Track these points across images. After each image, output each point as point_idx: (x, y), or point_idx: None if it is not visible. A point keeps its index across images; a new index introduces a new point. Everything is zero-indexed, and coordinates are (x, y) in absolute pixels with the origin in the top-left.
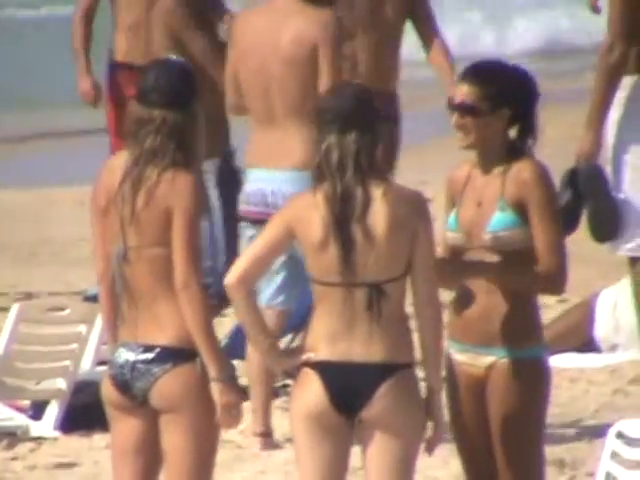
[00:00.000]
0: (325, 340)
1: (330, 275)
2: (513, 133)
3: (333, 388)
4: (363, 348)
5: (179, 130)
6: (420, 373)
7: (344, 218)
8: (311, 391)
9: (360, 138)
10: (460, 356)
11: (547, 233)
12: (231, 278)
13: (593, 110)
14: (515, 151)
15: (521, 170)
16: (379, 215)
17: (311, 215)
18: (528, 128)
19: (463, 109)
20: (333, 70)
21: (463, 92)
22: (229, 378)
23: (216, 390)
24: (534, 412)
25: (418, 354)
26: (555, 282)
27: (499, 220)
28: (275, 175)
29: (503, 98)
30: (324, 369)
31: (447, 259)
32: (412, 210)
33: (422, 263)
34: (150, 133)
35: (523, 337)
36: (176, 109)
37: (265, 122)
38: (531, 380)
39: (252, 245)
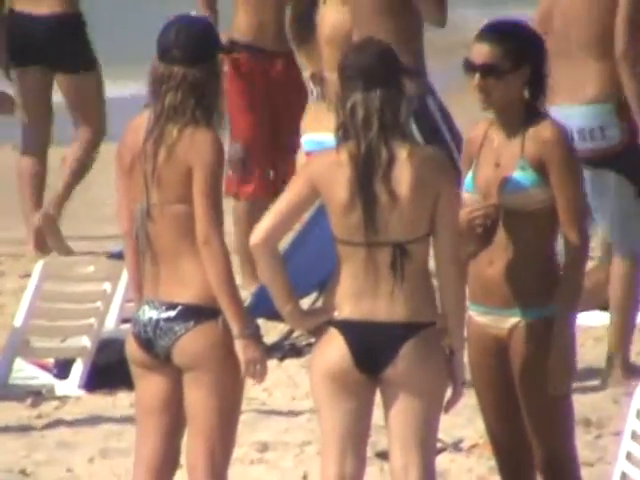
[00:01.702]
0: (349, 299)
1: (354, 235)
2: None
3: (356, 347)
4: (386, 307)
5: (199, 87)
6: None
7: (368, 177)
8: (334, 349)
9: (385, 95)
10: (482, 318)
11: (568, 195)
12: (256, 237)
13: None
14: (532, 111)
15: (540, 130)
16: (403, 175)
17: (336, 174)
18: (541, 86)
19: (486, 70)
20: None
21: (484, 52)
22: (252, 334)
23: (239, 346)
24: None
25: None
26: (579, 251)
27: (519, 179)
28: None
29: (524, 55)
30: (347, 328)
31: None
32: (436, 170)
33: (446, 222)
34: (170, 90)
35: (544, 296)
36: (196, 66)
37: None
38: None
39: (276, 204)
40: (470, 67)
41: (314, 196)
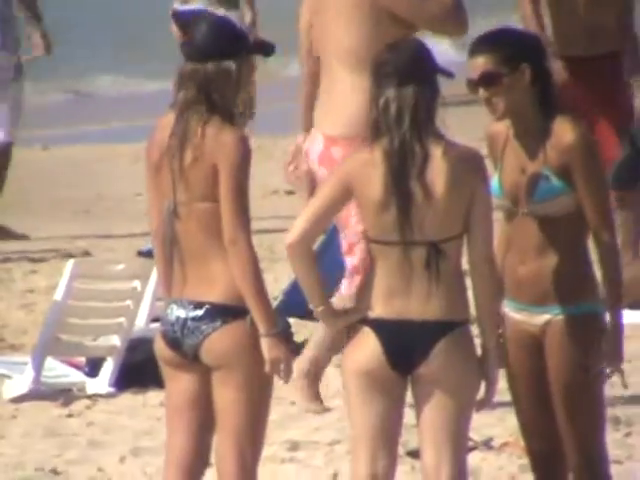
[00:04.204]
0: (382, 298)
1: (389, 234)
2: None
3: (389, 345)
4: (420, 306)
5: (210, 82)
6: (475, 331)
7: (403, 174)
8: (367, 348)
9: (418, 91)
10: (516, 314)
11: (594, 196)
12: (291, 238)
13: None
14: (548, 107)
15: (561, 135)
16: (438, 173)
17: (369, 173)
18: (548, 81)
19: (485, 80)
20: None
21: (479, 64)
22: (279, 334)
23: (265, 345)
24: (592, 367)
25: (474, 311)
26: (612, 249)
27: (544, 190)
28: None
29: (519, 55)
30: (381, 326)
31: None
32: (470, 168)
33: (480, 221)
34: (182, 85)
35: (577, 294)
36: (208, 62)
37: None
38: (587, 336)
39: (310, 204)
40: (471, 84)
41: (348, 196)
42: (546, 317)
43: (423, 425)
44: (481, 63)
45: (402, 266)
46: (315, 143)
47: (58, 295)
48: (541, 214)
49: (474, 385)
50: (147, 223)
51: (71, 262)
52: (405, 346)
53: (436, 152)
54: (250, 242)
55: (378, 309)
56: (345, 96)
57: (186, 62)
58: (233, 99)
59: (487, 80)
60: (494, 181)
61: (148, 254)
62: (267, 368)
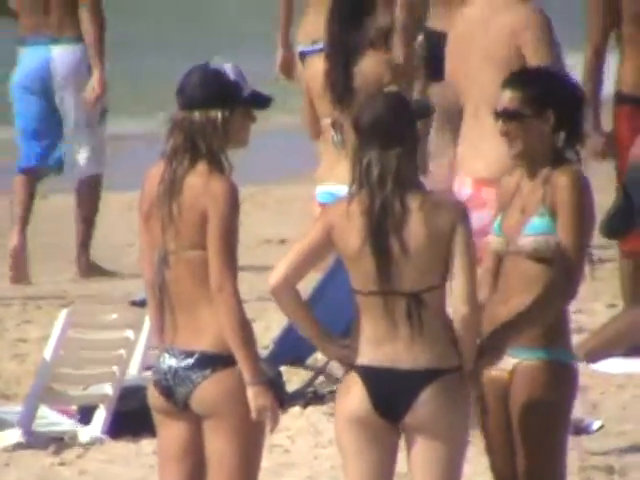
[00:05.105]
0: (368, 346)
1: (368, 285)
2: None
3: (376, 393)
4: (406, 354)
5: (196, 131)
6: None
7: (381, 230)
8: (355, 396)
9: (401, 153)
10: None
11: (566, 237)
12: (273, 281)
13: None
14: (561, 158)
15: (558, 175)
16: (416, 226)
17: (346, 225)
18: (574, 133)
19: (507, 115)
20: None
21: (506, 98)
22: (264, 382)
23: (250, 394)
24: (554, 415)
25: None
26: (561, 287)
27: (536, 225)
28: None
29: (546, 100)
30: (367, 374)
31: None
32: (449, 219)
33: (461, 270)
34: (171, 134)
35: (548, 340)
36: (195, 111)
37: None
38: (553, 383)
39: (294, 247)
40: (494, 113)
41: (330, 244)
42: (515, 361)
43: (414, 474)
44: (508, 97)
45: (385, 316)
46: (464, 187)
47: (51, 344)
48: (529, 250)
49: (463, 432)
50: (140, 273)
51: (64, 311)
52: (391, 394)
53: (414, 206)
54: (236, 290)
55: (365, 356)
56: (497, 138)
57: (177, 111)
58: (221, 148)
59: (508, 116)
60: (497, 221)
61: (141, 304)
62: (252, 416)
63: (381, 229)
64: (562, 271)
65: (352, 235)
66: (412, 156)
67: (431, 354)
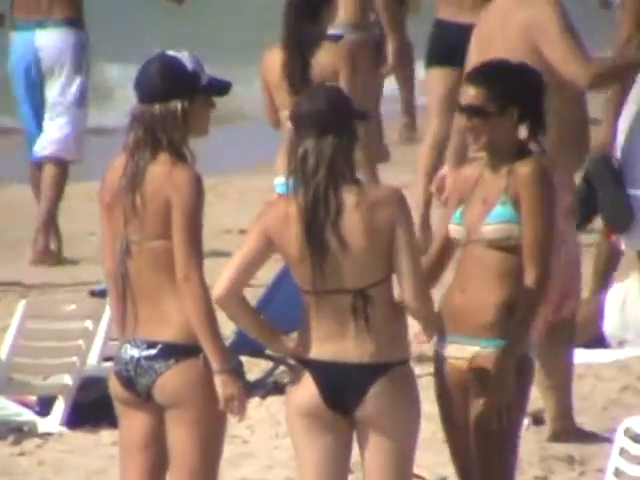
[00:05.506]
0: (318, 340)
1: (312, 284)
2: (523, 132)
3: (325, 387)
4: (354, 349)
5: (156, 123)
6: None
7: (316, 227)
8: (305, 390)
9: (337, 142)
10: (446, 350)
11: (532, 230)
12: (217, 291)
13: (610, 102)
14: (524, 151)
15: (521, 166)
16: (353, 221)
17: (284, 226)
18: (537, 125)
19: (471, 112)
20: None
21: (470, 95)
22: (232, 370)
23: (218, 382)
24: (510, 402)
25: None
26: (540, 288)
27: (498, 213)
28: None
29: (510, 97)
30: (316, 368)
31: None
32: (389, 210)
33: (404, 262)
34: (131, 126)
35: (505, 329)
36: (153, 103)
37: None
38: (510, 371)
39: (235, 256)
40: (458, 109)
41: (270, 247)
42: (474, 349)
43: (366, 467)
44: (471, 94)
45: (331, 313)
46: None
47: (10, 335)
48: (489, 238)
49: (413, 425)
50: (100, 263)
51: (23, 302)
52: (340, 388)
53: (351, 201)
54: (203, 280)
55: (314, 350)
56: None
57: (137, 104)
58: (183, 138)
59: (472, 113)
60: (458, 212)
61: (101, 294)
62: (221, 405)
63: (316, 226)
64: (536, 268)
65: (290, 236)
66: (349, 150)
67: (379, 348)
